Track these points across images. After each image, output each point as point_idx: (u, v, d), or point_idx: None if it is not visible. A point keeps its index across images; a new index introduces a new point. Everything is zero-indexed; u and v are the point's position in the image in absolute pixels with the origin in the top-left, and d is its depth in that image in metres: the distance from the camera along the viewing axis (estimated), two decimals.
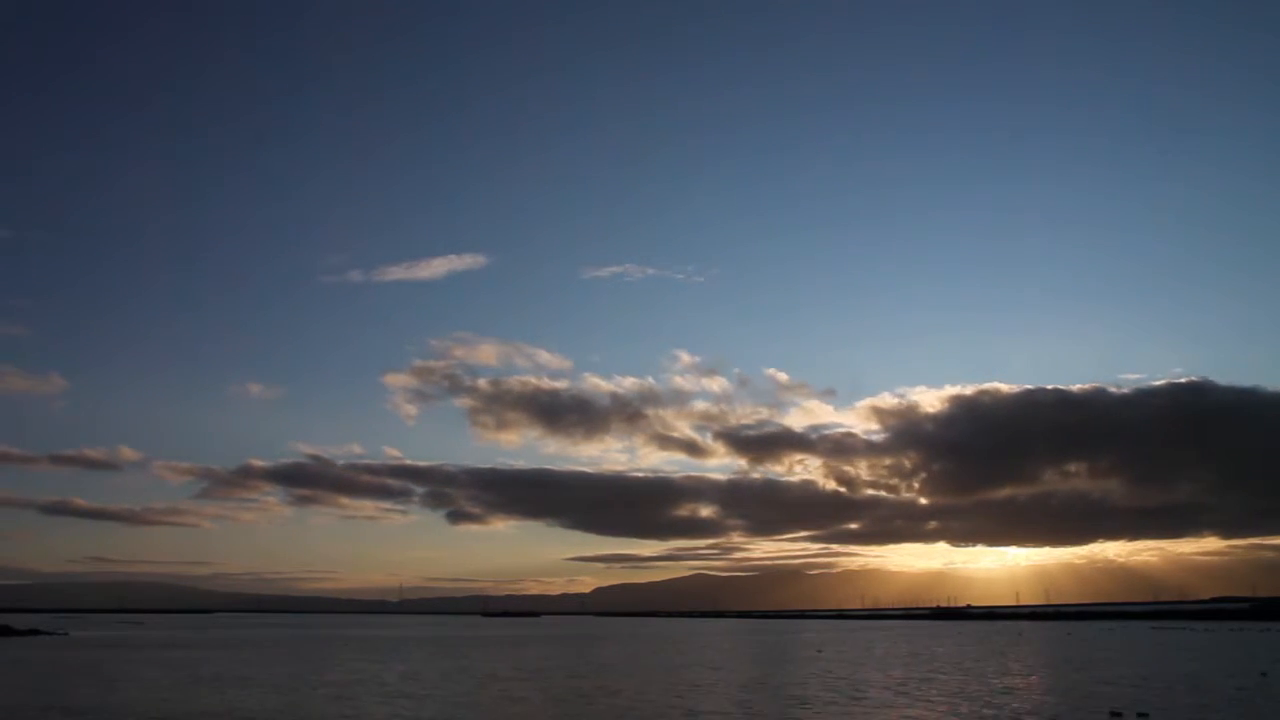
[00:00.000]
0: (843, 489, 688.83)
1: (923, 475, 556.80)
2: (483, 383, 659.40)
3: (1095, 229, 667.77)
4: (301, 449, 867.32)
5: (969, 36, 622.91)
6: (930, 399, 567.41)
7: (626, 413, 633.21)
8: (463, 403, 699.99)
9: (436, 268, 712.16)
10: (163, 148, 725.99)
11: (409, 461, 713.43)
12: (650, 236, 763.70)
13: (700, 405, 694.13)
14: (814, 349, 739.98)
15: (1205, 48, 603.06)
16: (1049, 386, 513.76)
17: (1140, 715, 32.53)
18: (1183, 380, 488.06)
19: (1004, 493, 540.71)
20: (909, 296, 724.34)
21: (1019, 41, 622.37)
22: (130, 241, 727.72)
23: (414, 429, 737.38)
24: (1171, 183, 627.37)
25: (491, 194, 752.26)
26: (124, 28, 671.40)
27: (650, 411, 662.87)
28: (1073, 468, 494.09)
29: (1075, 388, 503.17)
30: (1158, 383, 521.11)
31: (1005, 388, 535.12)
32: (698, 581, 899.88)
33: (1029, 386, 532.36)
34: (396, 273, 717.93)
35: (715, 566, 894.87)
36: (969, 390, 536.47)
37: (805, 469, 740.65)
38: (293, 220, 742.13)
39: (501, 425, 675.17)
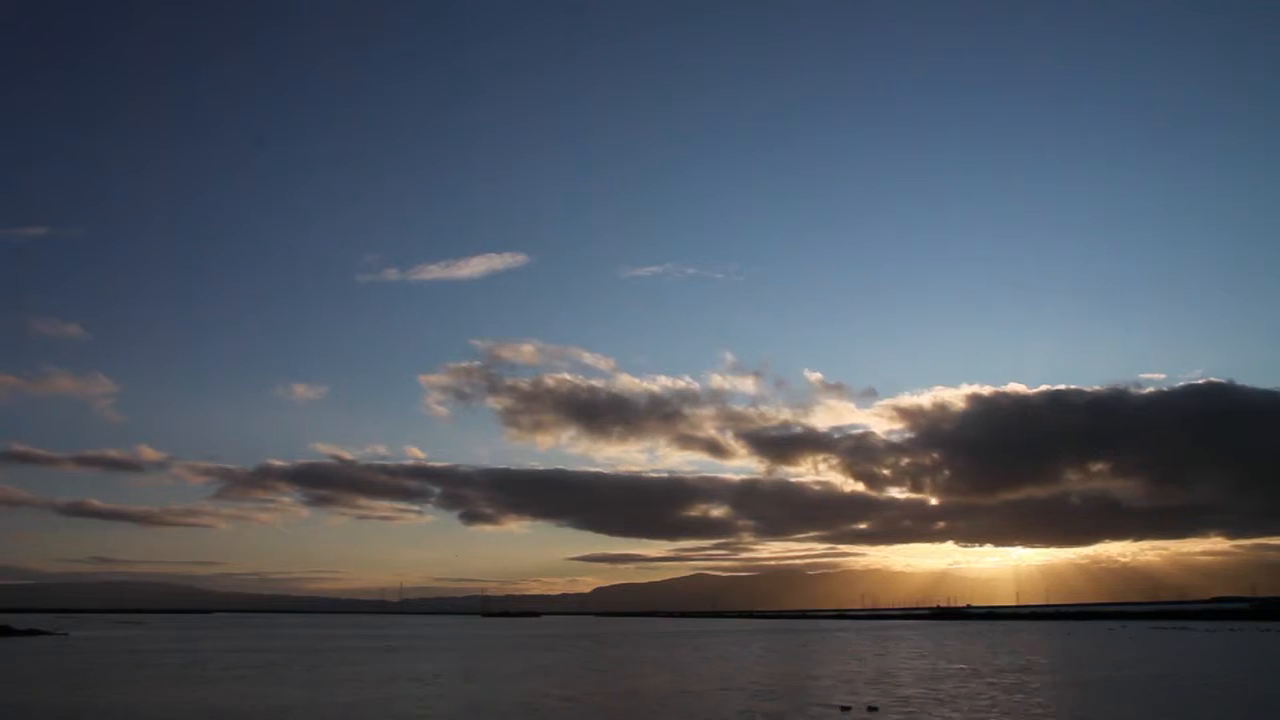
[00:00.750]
0: (856, 490, 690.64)
1: (936, 475, 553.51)
2: (520, 383, 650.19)
3: (1120, 229, 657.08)
4: (326, 450, 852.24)
5: (1009, 32, 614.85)
6: (948, 399, 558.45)
7: (664, 413, 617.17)
8: (499, 403, 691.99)
9: (475, 266, 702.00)
10: (198, 145, 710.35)
11: (428, 463, 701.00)
12: (691, 235, 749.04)
13: (737, 406, 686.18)
14: (847, 349, 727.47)
15: (1219, 46, 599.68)
16: (1065, 387, 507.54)
17: (870, 709, 35.68)
18: (1201, 382, 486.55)
19: (1016, 493, 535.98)
20: (931, 296, 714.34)
21: (1040, 39, 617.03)
22: (167, 240, 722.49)
23: (446, 430, 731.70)
24: (1194, 183, 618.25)
25: (531, 192, 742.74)
26: (154, 20, 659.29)
27: (690, 412, 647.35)
28: (1088, 469, 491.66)
29: (1094, 389, 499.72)
30: (1178, 385, 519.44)
31: (1024, 389, 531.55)
32: (698, 582, 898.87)
33: (1048, 388, 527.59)
34: (434, 271, 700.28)
35: (718, 567, 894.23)
36: (987, 390, 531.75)
37: (824, 469, 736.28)
38: (328, 218, 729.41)
39: (538, 426, 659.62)
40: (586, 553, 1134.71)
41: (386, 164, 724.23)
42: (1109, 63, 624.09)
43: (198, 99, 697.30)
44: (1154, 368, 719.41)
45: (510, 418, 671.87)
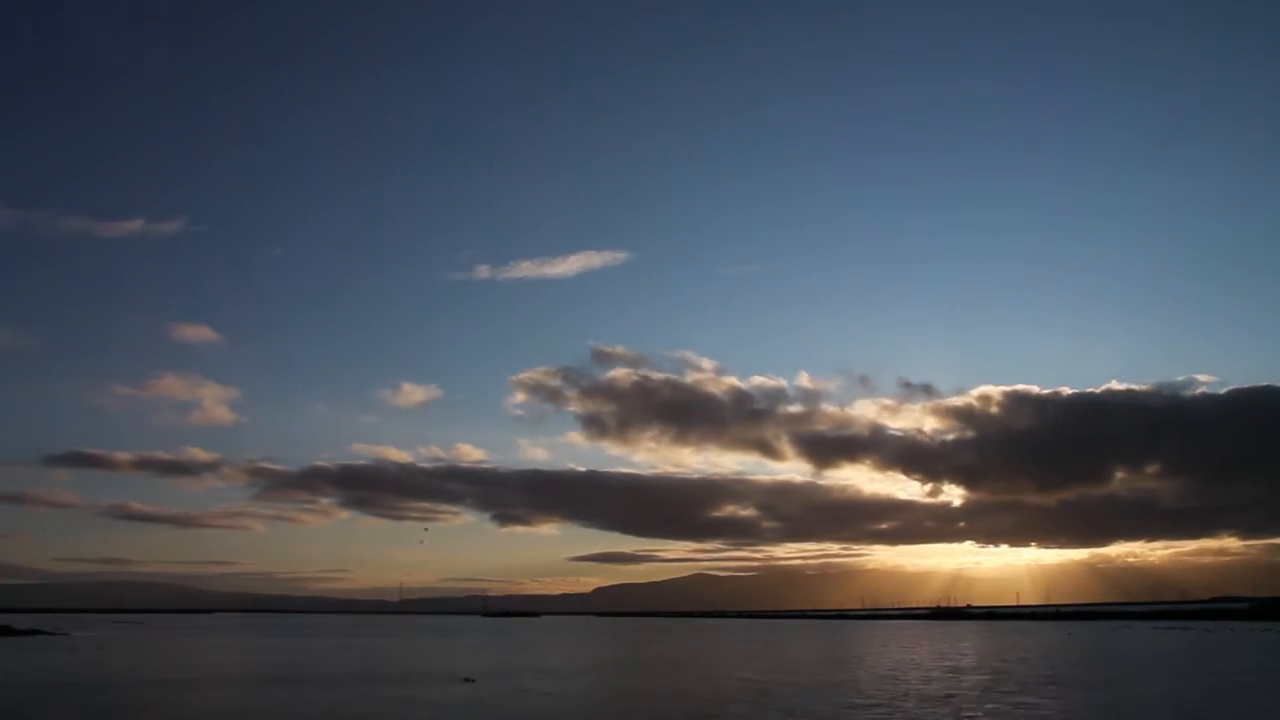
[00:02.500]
0: (886, 490, 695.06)
1: (969, 475, 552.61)
2: (602, 383, 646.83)
3: (1171, 231, 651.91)
4: (380, 452, 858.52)
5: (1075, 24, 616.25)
6: (993, 399, 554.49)
7: (750, 413, 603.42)
8: (580, 405, 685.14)
9: (572, 264, 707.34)
10: (279, 140, 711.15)
11: (462, 465, 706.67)
12: (787, 233, 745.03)
13: (800, 408, 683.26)
14: (916, 349, 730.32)
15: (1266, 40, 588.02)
16: (1109, 389, 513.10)
17: (467, 680, 44.90)
18: (1247, 386, 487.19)
19: (1044, 495, 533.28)
20: (987, 296, 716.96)
21: (1115, 31, 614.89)
22: (255, 235, 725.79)
23: (520, 431, 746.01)
24: (1253, 183, 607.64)
25: (631, 190, 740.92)
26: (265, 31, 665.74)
27: (777, 411, 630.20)
28: (1123, 471, 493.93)
29: (1141, 388, 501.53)
30: (1227, 388, 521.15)
31: (1069, 390, 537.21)
32: (698, 582, 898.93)
33: (1093, 389, 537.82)
34: (527, 269, 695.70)
35: (730, 568, 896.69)
36: (1033, 390, 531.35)
37: (866, 470, 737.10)
38: (419, 213, 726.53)
39: (623, 426, 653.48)
40: (606, 552, 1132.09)
41: (481, 158, 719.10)
42: (1162, 59, 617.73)
43: (277, 96, 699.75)
44: (1209, 369, 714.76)
45: (590, 420, 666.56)
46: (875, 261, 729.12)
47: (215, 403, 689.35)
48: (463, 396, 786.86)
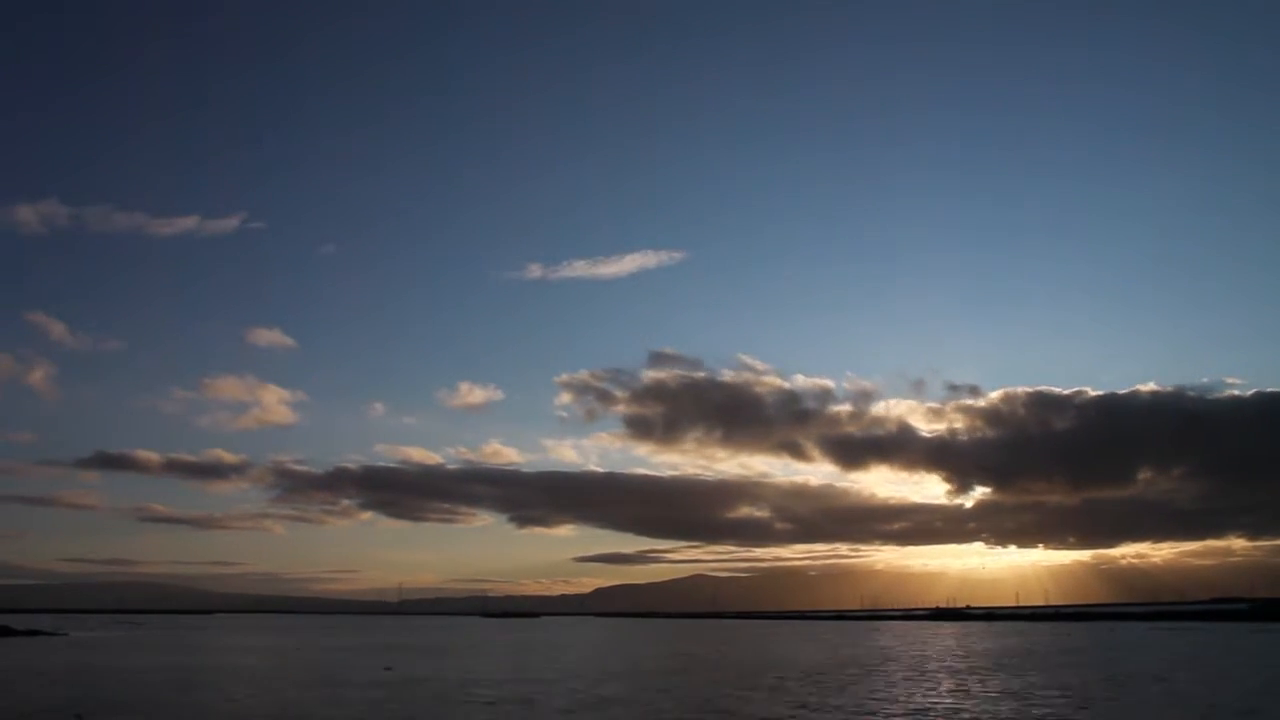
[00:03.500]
0: (899, 492, 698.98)
1: (984, 476, 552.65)
2: (652, 385, 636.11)
3: (1201, 233, 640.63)
4: (403, 453, 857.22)
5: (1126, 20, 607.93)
6: (1016, 398, 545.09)
7: (793, 415, 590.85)
8: (628, 406, 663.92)
9: (627, 264, 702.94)
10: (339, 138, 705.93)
11: (488, 466, 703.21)
12: (846, 231, 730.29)
13: (860, 409, 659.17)
14: (943, 349, 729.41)
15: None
16: (1128, 391, 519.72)
17: (387, 669, 48.74)
18: (1273, 390, 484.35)
19: (1065, 495, 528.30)
20: (1012, 296, 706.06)
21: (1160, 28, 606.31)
22: (310, 232, 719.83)
23: (555, 433, 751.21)
24: (1273, 185, 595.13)
25: (687, 189, 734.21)
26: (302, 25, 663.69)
27: (825, 412, 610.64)
28: (1141, 473, 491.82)
29: (1161, 389, 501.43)
30: (1252, 391, 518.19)
31: (1091, 390, 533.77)
32: (697, 583, 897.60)
33: (1110, 391, 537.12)
34: (581, 269, 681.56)
35: (729, 568, 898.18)
36: (1050, 390, 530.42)
37: (882, 472, 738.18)
38: (471, 212, 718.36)
39: (669, 428, 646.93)
40: (611, 553, 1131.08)
41: (534, 156, 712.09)
42: (1192, 61, 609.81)
43: (329, 92, 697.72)
44: (1237, 372, 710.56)
45: (634, 421, 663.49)
46: (927, 260, 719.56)
47: (273, 405, 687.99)
48: (518, 398, 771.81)
